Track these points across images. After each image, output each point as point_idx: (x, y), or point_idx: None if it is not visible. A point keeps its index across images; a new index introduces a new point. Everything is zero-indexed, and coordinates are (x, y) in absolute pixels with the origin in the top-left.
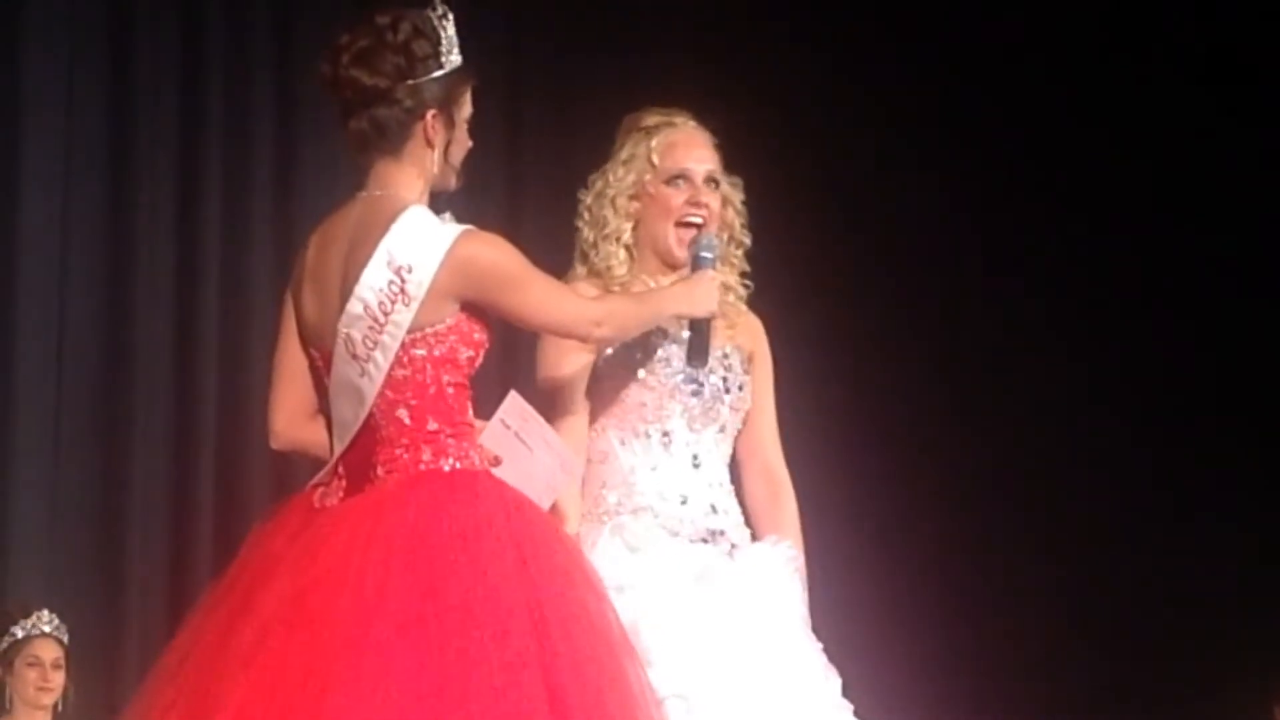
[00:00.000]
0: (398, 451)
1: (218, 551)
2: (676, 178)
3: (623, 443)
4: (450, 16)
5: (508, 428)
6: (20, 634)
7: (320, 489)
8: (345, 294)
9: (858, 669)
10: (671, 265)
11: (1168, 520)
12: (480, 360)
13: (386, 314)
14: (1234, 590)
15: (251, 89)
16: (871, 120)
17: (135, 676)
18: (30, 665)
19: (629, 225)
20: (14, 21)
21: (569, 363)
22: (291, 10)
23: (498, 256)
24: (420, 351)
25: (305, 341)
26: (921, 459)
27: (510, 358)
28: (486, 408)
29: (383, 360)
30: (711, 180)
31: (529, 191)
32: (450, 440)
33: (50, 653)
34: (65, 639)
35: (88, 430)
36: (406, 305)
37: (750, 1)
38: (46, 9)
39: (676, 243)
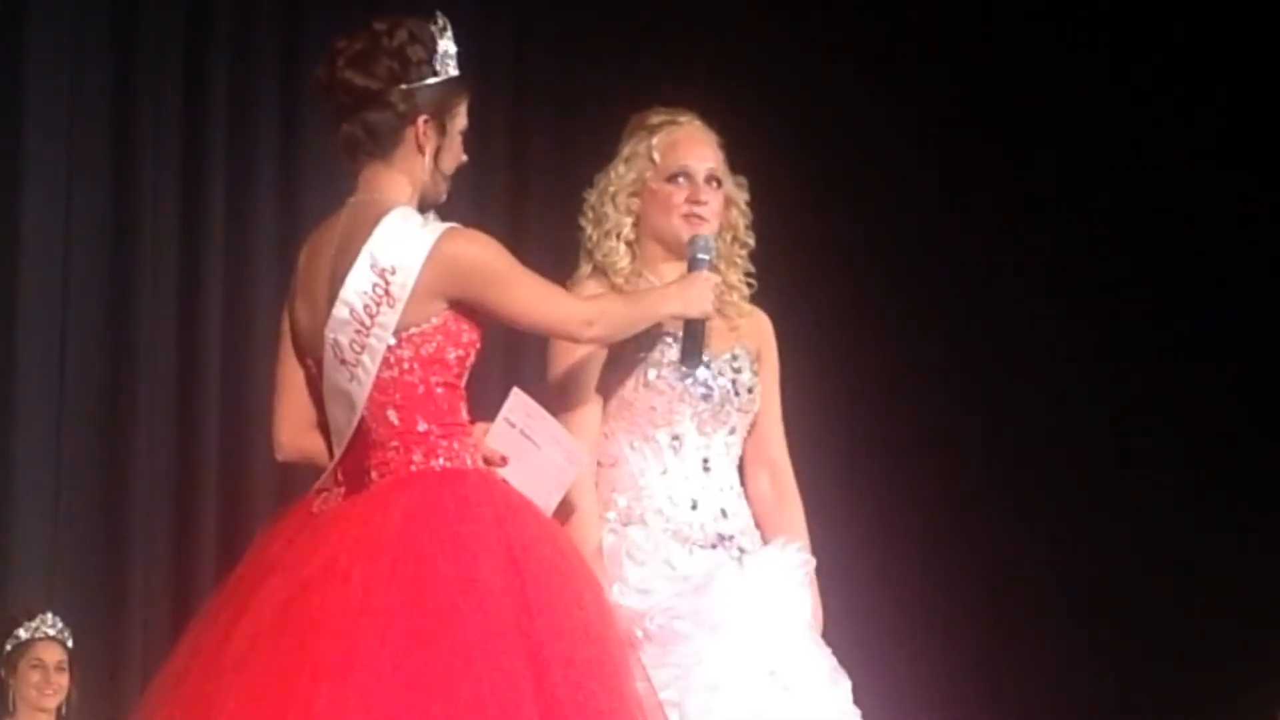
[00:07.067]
0: (389, 454)
1: (220, 555)
2: (677, 175)
3: (633, 447)
4: (450, 31)
5: (513, 426)
6: (24, 636)
7: (322, 494)
8: (332, 300)
9: (864, 673)
10: (679, 254)
11: (1180, 531)
12: (471, 360)
13: (372, 316)
14: (1244, 600)
15: (256, 96)
16: (878, 124)
17: (138, 680)
18: (34, 667)
19: (629, 221)
20: (17, 28)
21: (580, 361)
22: (297, 17)
23: (481, 253)
24: (406, 352)
25: (301, 352)
26: (929, 461)
27: (513, 357)
28: (489, 408)
29: (371, 364)
30: (713, 179)
31: (532, 198)
32: (441, 440)
33: (54, 655)
34: (69, 642)
35: (90, 434)
36: (391, 307)
37: (754, 6)
38: (50, 15)
39: (682, 225)
